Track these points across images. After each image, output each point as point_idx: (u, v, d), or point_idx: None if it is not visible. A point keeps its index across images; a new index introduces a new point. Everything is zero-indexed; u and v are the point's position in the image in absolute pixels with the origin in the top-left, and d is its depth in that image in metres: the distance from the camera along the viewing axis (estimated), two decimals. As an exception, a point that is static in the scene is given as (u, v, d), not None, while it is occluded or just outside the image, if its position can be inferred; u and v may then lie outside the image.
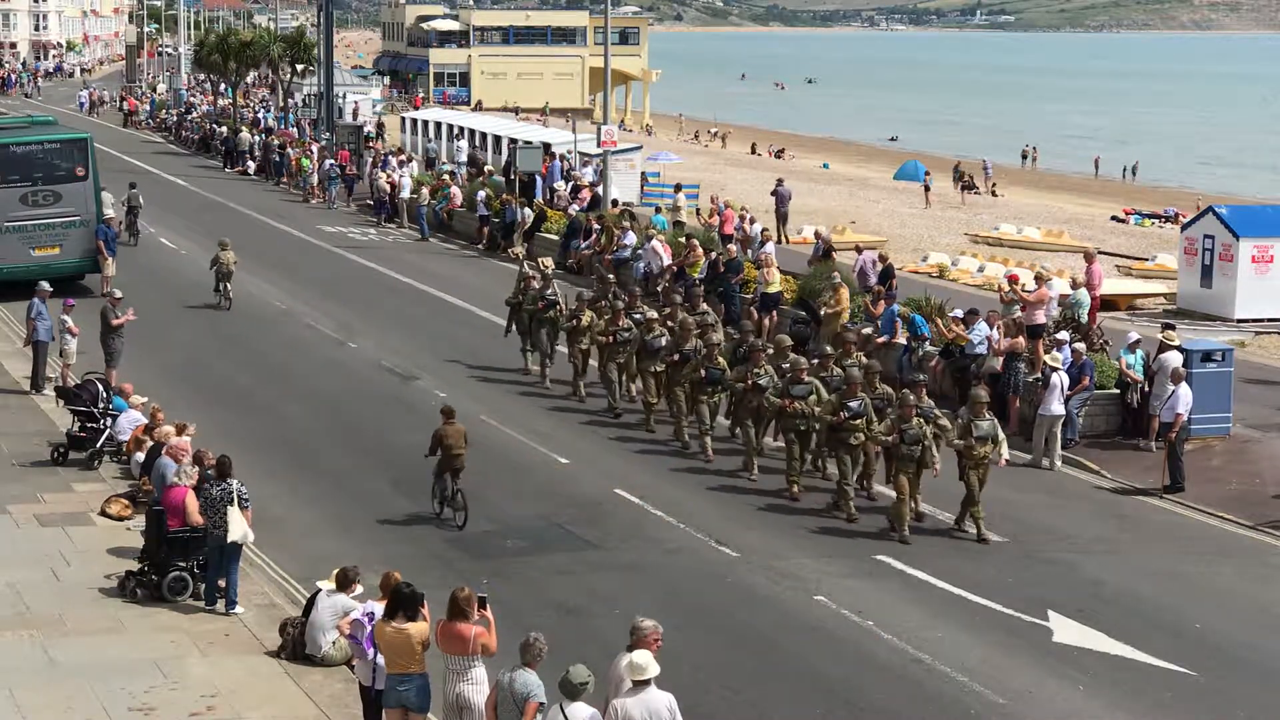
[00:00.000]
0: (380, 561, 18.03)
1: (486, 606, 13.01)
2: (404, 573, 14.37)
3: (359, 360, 30.03)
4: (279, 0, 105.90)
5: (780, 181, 50.44)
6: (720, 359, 23.68)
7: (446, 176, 50.82)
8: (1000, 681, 15.68)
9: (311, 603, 16.09)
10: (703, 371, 23.54)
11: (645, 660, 11.85)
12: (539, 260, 31.73)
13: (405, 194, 48.85)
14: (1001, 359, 25.48)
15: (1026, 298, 26.51)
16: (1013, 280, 28.65)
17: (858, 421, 20.86)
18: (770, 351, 23.42)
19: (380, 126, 71.06)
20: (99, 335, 26.77)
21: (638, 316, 26.38)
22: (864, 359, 23.68)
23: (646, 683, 11.77)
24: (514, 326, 29.16)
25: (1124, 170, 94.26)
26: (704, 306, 27.55)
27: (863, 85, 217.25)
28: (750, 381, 22.51)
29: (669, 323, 25.76)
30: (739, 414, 23.03)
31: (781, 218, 47.21)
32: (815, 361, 23.21)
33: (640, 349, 25.56)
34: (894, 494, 20.37)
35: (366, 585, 15.92)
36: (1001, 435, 20.68)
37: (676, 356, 24.39)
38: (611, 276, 30.45)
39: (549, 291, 28.28)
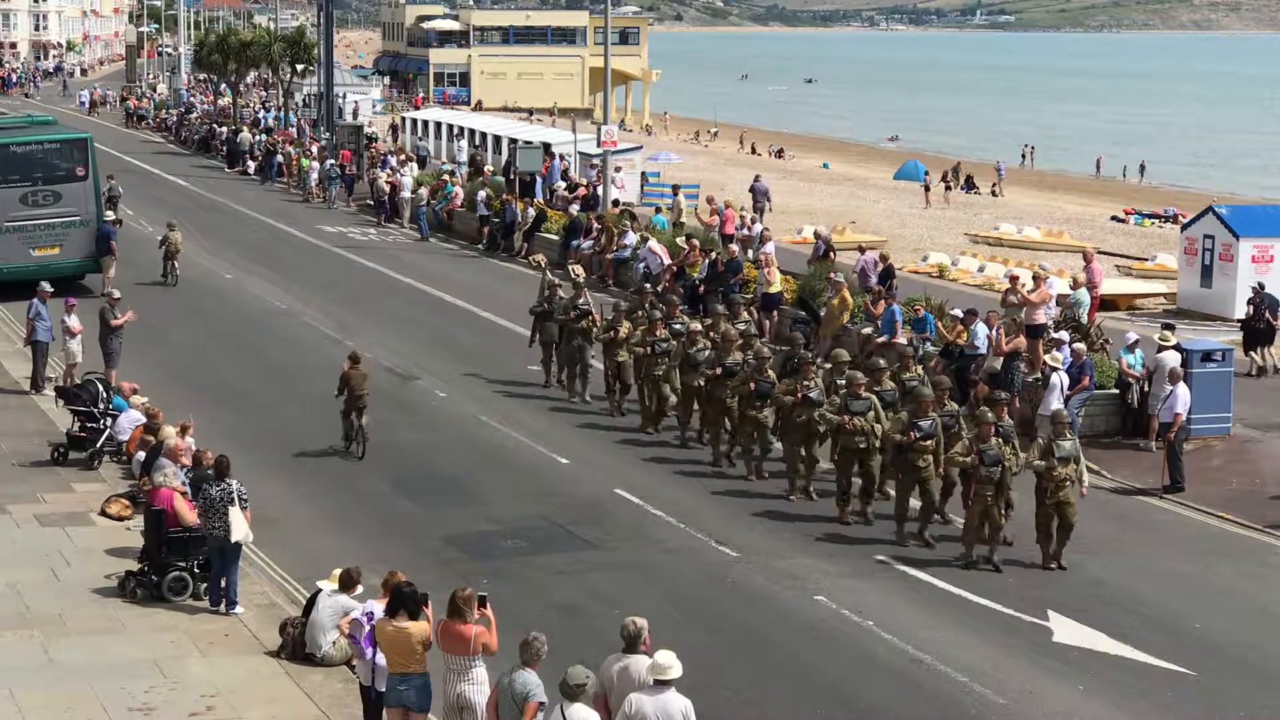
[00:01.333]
0: (380, 561, 18.03)
1: (486, 605, 13.01)
2: (404, 573, 14.36)
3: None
4: (279, 0, 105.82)
5: (757, 178, 51.16)
6: (770, 372, 22.33)
7: (447, 175, 50.82)
8: (1000, 681, 15.68)
9: (312, 603, 16.10)
10: (752, 385, 22.15)
11: (669, 660, 11.85)
12: (570, 268, 30.52)
13: (406, 193, 48.85)
14: (1001, 359, 25.48)
15: (1029, 298, 26.52)
16: (1013, 280, 28.66)
17: (927, 442, 19.63)
18: (827, 365, 22.31)
19: (395, 131, 70.72)
20: (98, 335, 26.78)
21: (677, 326, 25.20)
22: (918, 372, 22.57)
23: (668, 683, 11.77)
24: (538, 337, 27.61)
25: (1124, 170, 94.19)
26: (745, 316, 26.57)
27: (862, 85, 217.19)
28: (800, 395, 21.31)
29: (711, 334, 24.52)
30: (788, 431, 21.67)
31: (759, 212, 47.62)
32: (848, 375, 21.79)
33: (682, 361, 24.22)
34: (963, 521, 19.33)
35: (367, 585, 15.91)
36: (1083, 458, 19.56)
37: (719, 370, 23.04)
38: (648, 286, 29.01)
39: (581, 301, 26.85)
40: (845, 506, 20.63)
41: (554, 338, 27.20)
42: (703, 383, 23.54)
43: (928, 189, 67.52)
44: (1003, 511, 19.02)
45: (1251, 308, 30.22)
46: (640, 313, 26.22)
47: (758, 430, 22.17)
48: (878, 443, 20.36)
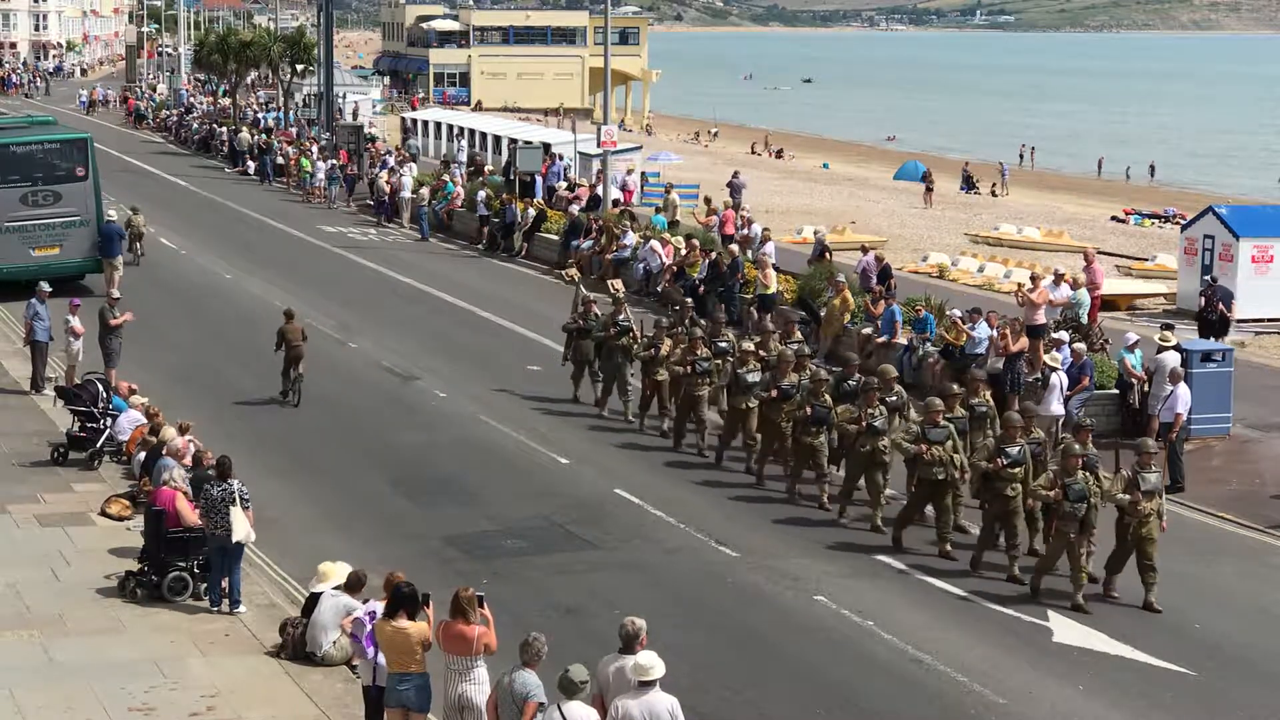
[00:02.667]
0: (380, 561, 18.03)
1: (484, 605, 13.02)
2: (404, 573, 14.35)
3: (359, 360, 30.03)
4: (279, 0, 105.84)
5: (736, 174, 51.85)
6: (826, 396, 21.28)
7: (446, 175, 50.83)
8: (1000, 681, 15.68)
9: (311, 603, 16.12)
10: (808, 410, 21.18)
11: (650, 661, 11.85)
12: (610, 283, 29.51)
13: (406, 193, 48.86)
14: (1002, 359, 25.47)
15: (1031, 298, 26.54)
16: (1035, 280, 28.71)
17: (1016, 470, 18.51)
18: (875, 384, 21.02)
19: (406, 137, 70.68)
20: (98, 335, 26.78)
21: (723, 345, 24.28)
22: (986, 397, 21.40)
23: (652, 683, 11.78)
24: (572, 355, 26.49)
25: (1127, 171, 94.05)
26: (797, 334, 25.53)
27: (861, 85, 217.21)
28: (864, 423, 20.26)
29: (761, 353, 23.37)
30: (851, 460, 20.65)
31: (736, 208, 48.01)
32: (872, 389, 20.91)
33: (731, 382, 23.01)
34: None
35: (368, 585, 15.91)
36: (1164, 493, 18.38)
37: (775, 392, 21.87)
38: (689, 300, 28.07)
39: (621, 317, 25.69)
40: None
41: (589, 355, 26.13)
42: (754, 405, 22.39)
43: (929, 190, 67.48)
44: (1086, 549, 17.87)
45: (1204, 300, 30.91)
46: (681, 329, 25.24)
47: (813, 457, 21.21)
48: (957, 473, 19.33)
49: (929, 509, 19.81)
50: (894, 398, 21.20)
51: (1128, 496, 17.71)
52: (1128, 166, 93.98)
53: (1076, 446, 17.95)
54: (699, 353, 23.68)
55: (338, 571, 16.36)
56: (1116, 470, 18.19)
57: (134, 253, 38.98)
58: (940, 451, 19.23)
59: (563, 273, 38.10)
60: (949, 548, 19.21)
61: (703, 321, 25.86)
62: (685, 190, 52.07)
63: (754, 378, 22.47)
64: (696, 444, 23.70)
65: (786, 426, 21.63)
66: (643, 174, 55.71)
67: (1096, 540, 18.00)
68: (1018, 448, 18.62)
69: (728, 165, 70.30)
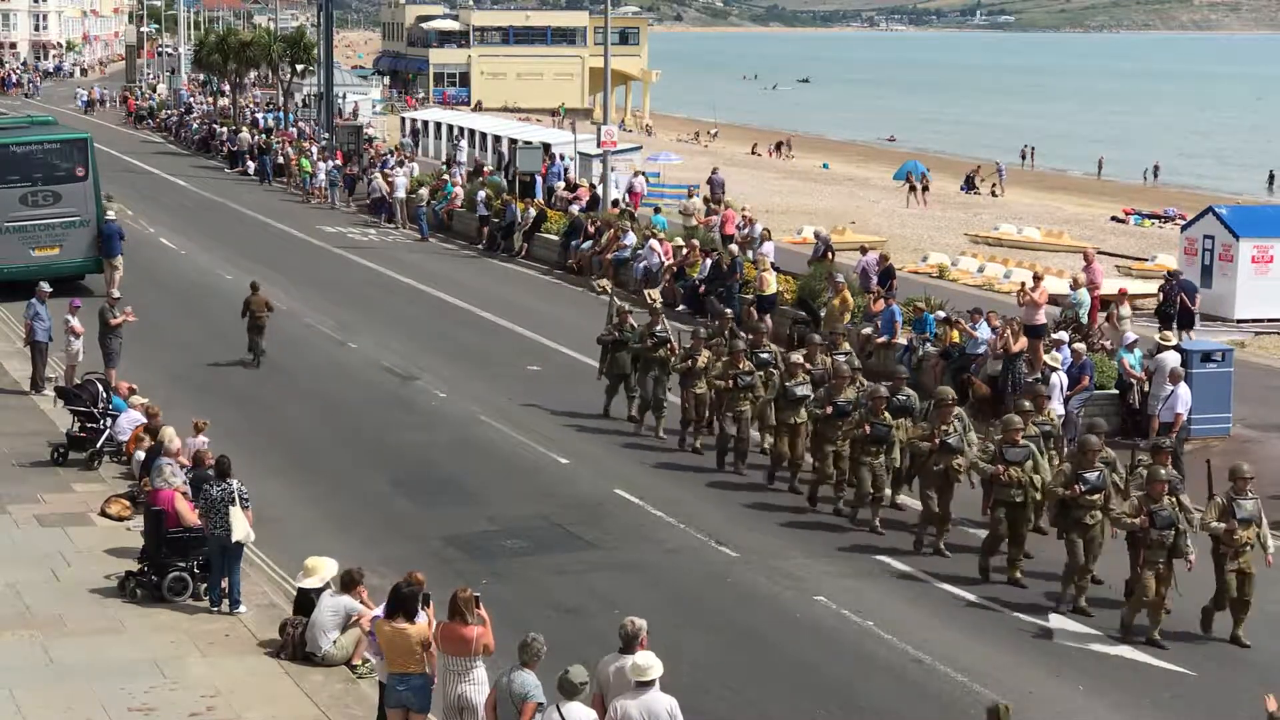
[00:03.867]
0: (380, 561, 18.08)
1: (480, 605, 13.02)
2: (403, 573, 14.32)
3: (359, 360, 30.04)
4: (279, 0, 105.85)
5: (715, 170, 52.92)
6: (885, 413, 20.21)
7: (446, 175, 50.87)
8: (1000, 681, 15.67)
9: (301, 599, 16.14)
10: (867, 428, 20.17)
11: (648, 661, 11.85)
12: (647, 292, 28.70)
13: (400, 193, 48.87)
14: (1001, 360, 25.46)
15: (1033, 296, 26.59)
16: (1037, 280, 28.74)
17: (1095, 496, 17.48)
18: (949, 400, 19.83)
19: (415, 136, 70.74)
20: (98, 335, 26.79)
21: (765, 356, 23.20)
22: (1051, 416, 20.61)
23: (650, 684, 11.77)
24: (608, 368, 25.54)
25: (1145, 172, 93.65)
26: (845, 346, 24.19)
27: (863, 86, 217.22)
28: (937, 440, 19.20)
29: (809, 365, 22.36)
30: (923, 480, 19.55)
31: (716, 202, 48.84)
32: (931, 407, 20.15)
33: (779, 397, 21.90)
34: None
35: (368, 585, 15.93)
36: (1265, 520, 17.21)
37: (830, 409, 20.81)
38: (728, 311, 27.11)
39: (658, 328, 24.68)
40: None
41: (625, 368, 25.17)
42: (802, 421, 21.53)
43: (926, 189, 67.44)
44: (1173, 581, 16.90)
45: (1163, 294, 31.34)
46: (720, 340, 24.42)
47: (871, 477, 20.20)
48: (1037, 495, 18.32)
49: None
50: (904, 397, 20.72)
51: (1222, 525, 16.71)
52: (1146, 168, 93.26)
53: (1161, 471, 17.08)
54: (741, 366, 22.60)
55: (325, 567, 16.41)
56: (1211, 497, 17.34)
57: None
58: (1019, 473, 18.23)
59: (595, 283, 36.75)
60: (1019, 575, 18.35)
61: (743, 334, 24.72)
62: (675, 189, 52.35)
63: (803, 391, 21.56)
64: (736, 464, 22.71)
65: (843, 446, 20.64)
66: (643, 174, 55.72)
67: (1192, 564, 16.88)
68: (1096, 473, 17.51)
69: (727, 165, 70.30)
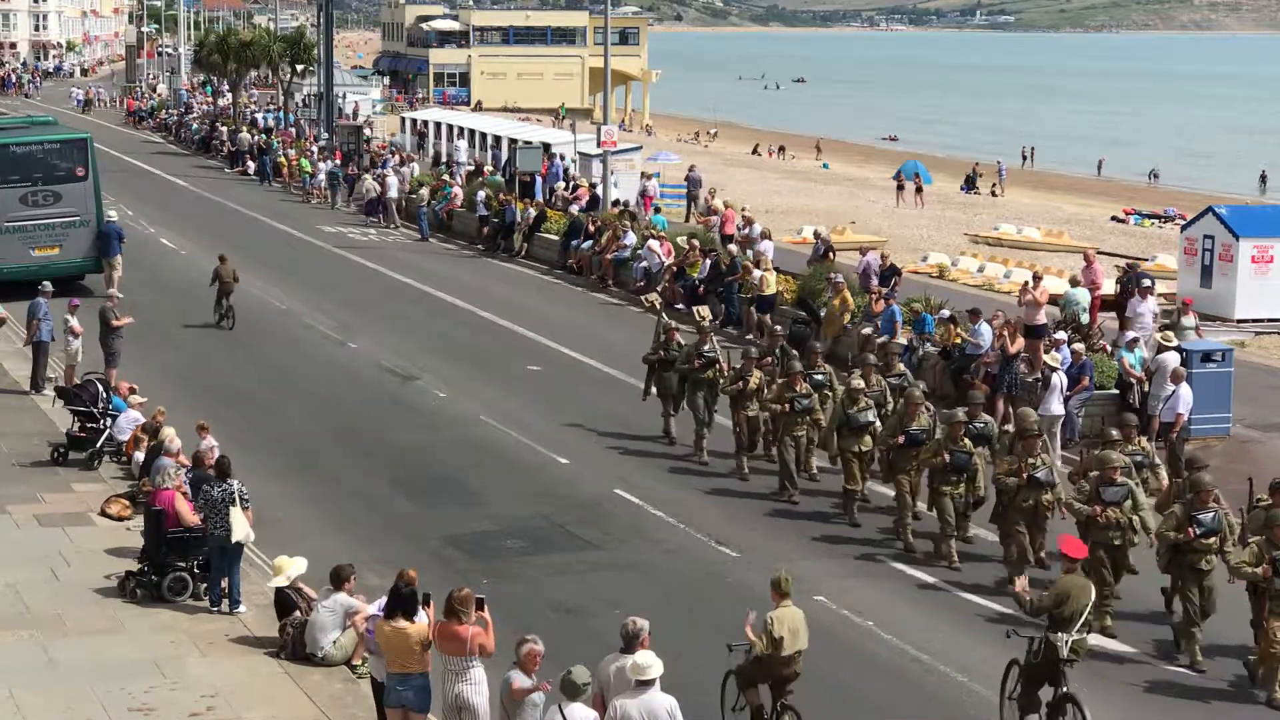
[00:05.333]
0: (380, 561, 18.08)
1: (484, 608, 13.01)
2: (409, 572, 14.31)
3: (359, 360, 30.03)
4: (279, 0, 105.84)
5: (692, 167, 53.73)
6: (966, 440, 19.10)
7: (446, 176, 50.87)
8: (1000, 681, 15.64)
9: (280, 599, 16.18)
10: (946, 456, 19.07)
11: (649, 660, 11.85)
12: (695, 310, 27.75)
13: (392, 193, 48.88)
14: (998, 360, 25.44)
15: (1034, 295, 26.58)
16: (1036, 279, 28.75)
17: (1210, 540, 16.24)
18: (1036, 430, 18.78)
19: (422, 138, 70.59)
20: (98, 336, 26.79)
21: (819, 377, 22.16)
22: (1143, 445, 19.36)
23: (650, 683, 11.77)
24: (655, 388, 24.49)
25: (1150, 173, 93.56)
26: (900, 367, 23.30)
27: (862, 86, 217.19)
28: (1025, 475, 18.03)
29: (868, 387, 21.28)
30: (1009, 517, 18.25)
31: (692, 199, 49.59)
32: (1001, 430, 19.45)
33: (842, 424, 20.80)
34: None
35: (368, 585, 15.93)
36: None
37: (902, 438, 19.74)
38: (779, 329, 25.95)
39: (706, 347, 23.53)
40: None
41: (672, 388, 24.02)
42: (868, 449, 20.63)
43: (919, 190, 67.40)
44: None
45: (1119, 286, 31.42)
46: (771, 359, 23.44)
47: (949, 508, 19.07)
48: (1135, 539, 17.11)
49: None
50: (981, 424, 19.70)
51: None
52: (1149, 169, 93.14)
53: (1205, 478, 16.49)
54: (798, 389, 21.45)
55: (295, 564, 16.46)
56: (1249, 509, 16.72)
57: None
58: (1117, 513, 16.97)
59: (643, 298, 35.05)
60: (1110, 623, 17.02)
61: (795, 353, 23.38)
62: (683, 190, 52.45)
63: (867, 417, 20.61)
64: (781, 489, 21.62)
65: (917, 476, 19.55)
66: (643, 174, 55.70)
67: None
68: (1211, 513, 16.24)
69: (727, 165, 70.45)
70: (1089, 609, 14.32)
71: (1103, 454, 17.67)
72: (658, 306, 32.27)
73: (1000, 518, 18.49)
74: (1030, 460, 18.06)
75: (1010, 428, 20.00)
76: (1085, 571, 15.43)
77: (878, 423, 20.69)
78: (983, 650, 16.47)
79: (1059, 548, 15.11)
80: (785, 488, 21.43)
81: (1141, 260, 46.08)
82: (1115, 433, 18.89)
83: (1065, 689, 14.02)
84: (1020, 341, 25.42)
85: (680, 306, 33.24)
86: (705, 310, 27.54)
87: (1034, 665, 14.22)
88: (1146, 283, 30.14)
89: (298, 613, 16.04)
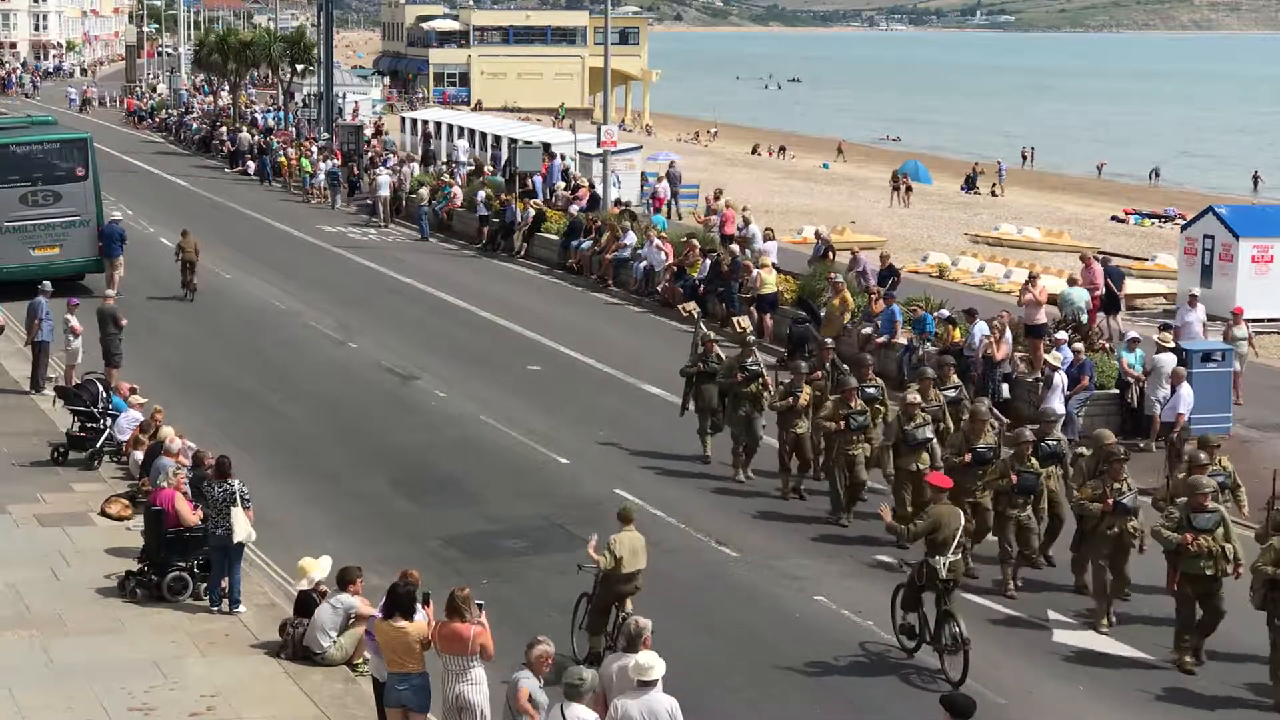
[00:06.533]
0: (380, 561, 18.07)
1: (484, 611, 13.00)
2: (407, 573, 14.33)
3: (359, 360, 30.03)
4: (279, 0, 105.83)
5: (672, 164, 54.26)
6: (1033, 460, 18.15)
7: (446, 176, 50.86)
8: (1000, 681, 15.67)
9: (301, 601, 16.15)
10: (1014, 477, 18.05)
11: (650, 661, 11.85)
12: (736, 321, 26.92)
13: (383, 192, 48.88)
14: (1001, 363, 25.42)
15: (1038, 297, 26.55)
16: (1034, 279, 28.74)
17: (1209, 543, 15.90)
18: (1086, 453, 18.42)
19: (428, 139, 70.51)
20: (98, 336, 26.79)
21: (871, 391, 21.06)
22: (1225, 465, 18.47)
23: (652, 683, 11.77)
24: (693, 402, 23.37)
25: (1151, 173, 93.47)
26: (954, 380, 21.97)
27: (862, 85, 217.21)
28: (1110, 501, 16.95)
29: (925, 402, 20.28)
30: (1091, 545, 17.30)
31: (673, 195, 49.94)
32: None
33: (898, 441, 19.81)
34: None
35: (368, 585, 15.92)
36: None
37: (968, 456, 18.52)
38: (830, 342, 24.41)
39: (750, 361, 22.41)
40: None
41: (712, 402, 22.90)
42: (924, 467, 19.42)
43: (909, 189, 67.34)
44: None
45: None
46: (820, 374, 22.23)
47: (1019, 533, 18.13)
48: (1229, 569, 16.07)
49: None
50: (1053, 442, 18.88)
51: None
52: (1150, 168, 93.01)
53: (1204, 480, 16.18)
54: (853, 405, 20.45)
55: (319, 566, 16.45)
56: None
57: None
58: (1209, 541, 16.00)
59: (681, 308, 33.61)
60: (1190, 659, 16.17)
61: (846, 367, 22.48)
62: (685, 190, 52.33)
63: (924, 434, 19.61)
64: (834, 510, 20.70)
65: (984, 497, 18.39)
66: (643, 174, 55.72)
67: None
68: (1209, 515, 15.93)
69: (728, 165, 70.39)
70: (960, 533, 15.77)
71: (1193, 479, 16.68)
72: (696, 316, 30.69)
73: (1080, 545, 17.66)
74: (1115, 485, 17.03)
75: (1085, 450, 19.09)
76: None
77: (934, 439, 19.83)
78: (983, 650, 16.44)
79: (927, 480, 17.01)
80: (836, 510, 20.57)
81: (1142, 260, 46.15)
82: (1203, 455, 17.62)
83: (947, 606, 15.62)
84: (1006, 347, 25.32)
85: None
86: (746, 322, 26.59)
87: (917, 586, 15.88)
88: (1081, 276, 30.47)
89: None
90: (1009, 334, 25.63)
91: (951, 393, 21.36)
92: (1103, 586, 17.12)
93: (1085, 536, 17.42)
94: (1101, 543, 17.07)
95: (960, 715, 10.97)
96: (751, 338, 24.25)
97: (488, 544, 19.55)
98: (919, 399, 20.07)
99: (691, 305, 33.20)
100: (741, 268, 32.95)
